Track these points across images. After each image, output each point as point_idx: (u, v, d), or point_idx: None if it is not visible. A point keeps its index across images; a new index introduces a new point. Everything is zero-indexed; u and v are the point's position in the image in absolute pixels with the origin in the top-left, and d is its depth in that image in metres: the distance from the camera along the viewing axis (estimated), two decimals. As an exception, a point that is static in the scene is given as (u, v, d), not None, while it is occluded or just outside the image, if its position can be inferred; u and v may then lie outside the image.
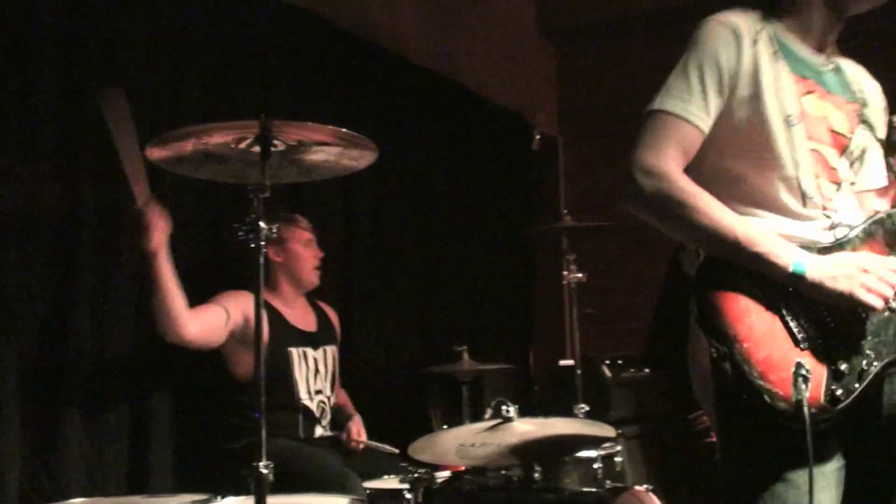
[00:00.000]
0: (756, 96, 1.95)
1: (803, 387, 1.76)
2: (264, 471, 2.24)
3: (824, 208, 1.99)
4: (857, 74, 2.18)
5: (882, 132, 2.18)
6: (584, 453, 3.19)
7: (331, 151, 2.54)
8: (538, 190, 6.37)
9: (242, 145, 2.46)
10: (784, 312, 1.84)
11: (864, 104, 2.14)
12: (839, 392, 1.80)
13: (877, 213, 2.02)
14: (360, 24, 4.66)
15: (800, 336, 1.83)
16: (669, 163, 1.91)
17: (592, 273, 4.25)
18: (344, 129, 2.40)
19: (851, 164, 2.09)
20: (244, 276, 3.14)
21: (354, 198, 4.52)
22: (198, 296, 3.24)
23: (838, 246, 1.94)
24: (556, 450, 2.93)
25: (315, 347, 3.63)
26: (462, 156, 5.45)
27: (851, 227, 1.98)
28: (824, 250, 1.92)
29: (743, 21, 2.00)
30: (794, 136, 1.96)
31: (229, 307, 3.30)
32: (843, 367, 1.83)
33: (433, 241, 5.12)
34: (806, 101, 2.01)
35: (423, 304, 4.96)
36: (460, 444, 2.84)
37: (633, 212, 1.94)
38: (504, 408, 2.93)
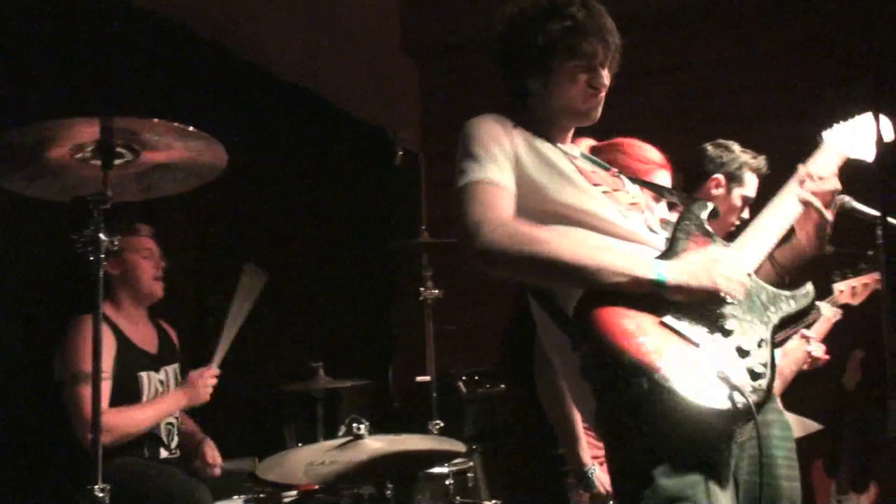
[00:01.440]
0: (538, 160, 2.11)
1: (732, 381, 1.81)
2: (99, 494, 2.15)
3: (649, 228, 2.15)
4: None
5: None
6: (436, 469, 3.19)
7: (177, 156, 2.46)
8: (400, 206, 6.37)
9: (80, 154, 2.36)
10: (668, 321, 1.90)
11: (608, 168, 2.34)
12: (757, 367, 1.88)
13: (678, 213, 2.19)
14: (221, 34, 4.57)
15: (694, 337, 1.89)
16: (501, 214, 2.00)
17: (453, 289, 4.27)
18: (191, 128, 2.33)
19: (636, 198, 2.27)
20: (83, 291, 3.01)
21: (209, 211, 4.42)
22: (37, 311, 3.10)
23: (671, 248, 2.05)
24: (407, 466, 2.93)
25: (157, 370, 3.50)
26: (323, 170, 5.40)
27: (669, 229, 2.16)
28: (662, 256, 2.04)
29: (498, 116, 2.20)
30: (583, 183, 2.13)
31: (103, 367, 3.14)
32: (745, 345, 1.91)
33: (291, 255, 5.05)
34: (575, 163, 2.19)
35: (278, 319, 4.87)
36: (309, 462, 2.79)
37: (486, 271, 1.98)
38: (355, 425, 2.90)
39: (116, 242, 2.40)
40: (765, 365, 1.89)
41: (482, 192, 2.03)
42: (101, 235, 2.30)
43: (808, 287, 2.13)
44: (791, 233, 2.47)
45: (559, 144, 2.24)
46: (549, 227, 2.03)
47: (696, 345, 1.88)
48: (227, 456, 3.65)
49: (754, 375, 1.87)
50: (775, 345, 1.99)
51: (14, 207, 3.24)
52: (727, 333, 1.93)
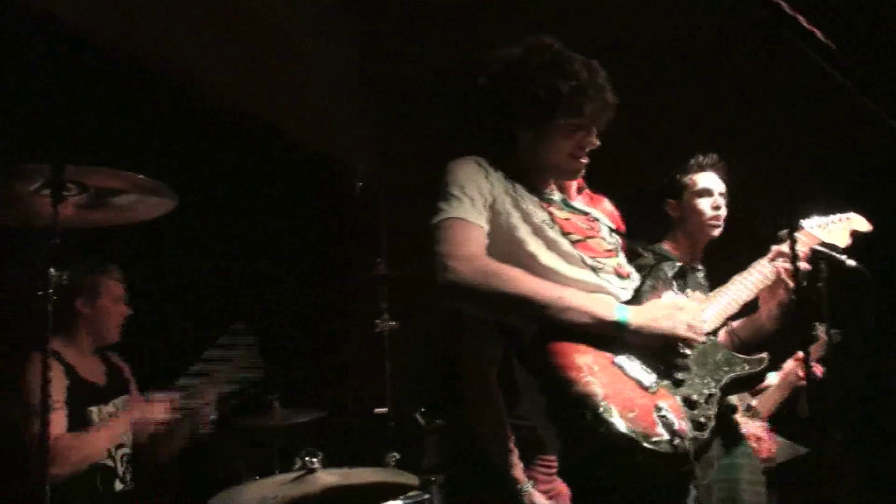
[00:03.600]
0: (513, 207, 2.18)
1: (675, 425, 1.85)
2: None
3: (619, 275, 2.23)
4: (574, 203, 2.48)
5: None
6: (390, 503, 3.18)
7: (127, 199, 2.47)
8: (358, 238, 6.38)
9: (32, 188, 2.36)
10: (619, 362, 1.96)
11: (584, 213, 2.41)
12: (702, 419, 1.92)
13: (650, 267, 2.26)
14: (169, 65, 4.57)
15: (643, 381, 1.94)
16: (473, 251, 2.06)
17: (411, 320, 4.28)
18: (141, 176, 2.35)
19: (610, 244, 2.36)
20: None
21: (160, 243, 4.39)
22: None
23: (635, 298, 2.11)
24: (359, 500, 2.92)
25: (107, 401, 3.47)
26: (281, 202, 5.41)
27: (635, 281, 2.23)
28: (627, 303, 2.10)
29: (481, 161, 2.26)
30: (556, 235, 2.19)
31: (56, 397, 3.17)
32: (693, 396, 1.96)
33: (245, 288, 5.03)
34: (550, 211, 2.25)
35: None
36: (261, 497, 2.78)
37: (455, 304, 2.05)
38: (308, 458, 2.89)
39: (66, 277, 2.39)
40: (709, 419, 1.93)
41: (456, 229, 2.09)
42: (51, 270, 2.29)
43: (763, 355, 2.19)
44: (754, 308, 2.61)
45: (539, 188, 2.30)
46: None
47: (646, 388, 1.93)
48: (182, 491, 3.61)
49: (697, 426, 1.91)
50: (724, 404, 2.05)
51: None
52: (678, 383, 1.98)
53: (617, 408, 1.84)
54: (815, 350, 3.81)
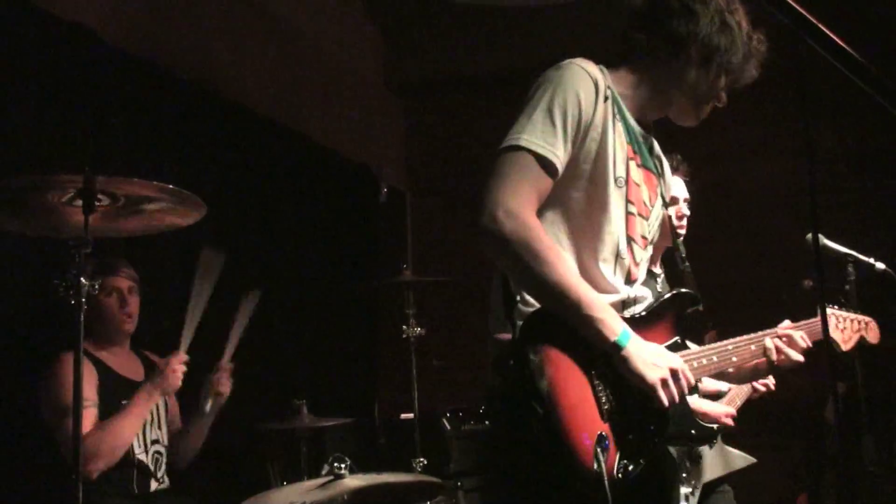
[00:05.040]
0: (599, 152, 2.03)
1: (602, 458, 1.81)
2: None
3: (629, 273, 2.14)
4: (660, 152, 2.35)
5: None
6: (418, 508, 3.21)
7: (158, 206, 2.51)
8: (384, 243, 6.41)
9: (64, 199, 2.40)
10: (595, 382, 1.92)
11: (661, 178, 2.29)
12: (630, 466, 1.89)
13: (670, 292, 2.19)
14: (203, 74, 4.62)
15: (605, 407, 1.90)
16: (528, 208, 1.92)
17: (436, 325, 4.30)
18: (170, 185, 2.38)
19: (650, 231, 2.24)
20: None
21: (195, 249, 4.43)
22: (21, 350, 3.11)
23: (633, 322, 2.04)
24: (386, 505, 2.95)
25: None
26: (307, 208, 5.44)
27: (644, 303, 2.15)
28: (635, 321, 2.05)
29: (598, 73, 2.06)
30: (618, 198, 2.07)
31: (87, 395, 3.16)
32: (635, 442, 1.92)
33: (275, 293, 5.06)
34: (631, 166, 2.11)
35: (261, 357, 4.88)
36: (290, 502, 2.81)
37: (484, 249, 1.94)
38: (336, 464, 2.92)
39: (97, 286, 2.44)
40: (637, 466, 1.90)
41: (527, 168, 1.95)
42: (83, 279, 2.33)
43: (716, 427, 2.26)
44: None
45: (646, 123, 2.20)
46: (551, 231, 2.01)
47: (601, 413, 1.91)
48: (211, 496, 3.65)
49: (625, 469, 1.89)
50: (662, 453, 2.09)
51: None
52: (626, 420, 1.94)
53: (566, 414, 1.83)
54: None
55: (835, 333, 2.64)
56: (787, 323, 2.51)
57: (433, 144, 6.75)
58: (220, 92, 4.74)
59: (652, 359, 1.94)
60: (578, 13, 5.78)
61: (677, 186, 3.46)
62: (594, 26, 5.70)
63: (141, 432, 3.41)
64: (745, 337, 2.35)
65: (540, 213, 1.99)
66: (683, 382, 1.97)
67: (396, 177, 6.64)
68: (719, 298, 5.02)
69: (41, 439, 3.26)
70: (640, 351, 1.93)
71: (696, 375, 2.08)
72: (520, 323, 1.95)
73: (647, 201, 2.19)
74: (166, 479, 3.50)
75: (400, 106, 6.90)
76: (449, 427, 4.72)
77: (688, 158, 3.56)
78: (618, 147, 2.06)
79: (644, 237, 2.19)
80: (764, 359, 2.40)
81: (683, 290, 2.20)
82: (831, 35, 1.43)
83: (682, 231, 3.45)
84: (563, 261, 1.94)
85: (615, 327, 1.91)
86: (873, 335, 2.84)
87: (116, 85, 4.03)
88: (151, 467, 3.44)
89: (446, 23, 6.42)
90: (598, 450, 1.82)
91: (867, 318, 2.84)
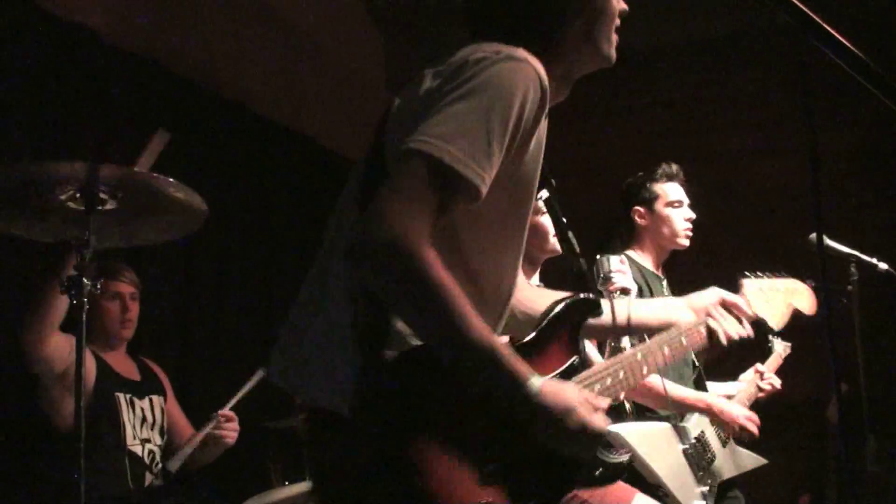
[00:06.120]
0: (529, 166, 1.67)
1: None
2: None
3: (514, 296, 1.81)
4: None
5: None
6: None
7: (159, 205, 2.50)
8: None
9: (64, 196, 2.39)
10: (473, 442, 1.55)
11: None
12: None
13: (555, 304, 1.79)
14: (205, 74, 4.62)
15: (485, 469, 1.55)
16: (426, 235, 1.49)
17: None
18: (171, 179, 2.37)
19: None
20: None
21: (196, 252, 4.44)
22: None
23: (536, 341, 1.72)
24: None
25: (140, 396, 3.52)
26: (308, 208, 5.44)
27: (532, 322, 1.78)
28: (524, 347, 1.71)
29: (543, 72, 1.62)
30: (524, 220, 1.73)
31: (71, 343, 3.18)
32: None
33: (276, 295, 5.07)
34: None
35: (264, 355, 4.88)
36: (293, 501, 2.81)
37: (368, 268, 1.50)
38: (338, 463, 2.91)
39: (99, 286, 2.44)
40: None
41: (441, 185, 1.50)
42: (84, 279, 2.33)
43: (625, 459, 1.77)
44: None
45: (560, 95, 1.80)
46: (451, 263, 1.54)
47: (480, 484, 1.54)
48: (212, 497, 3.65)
49: None
50: None
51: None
52: (520, 486, 1.60)
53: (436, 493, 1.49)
54: (772, 363, 3.78)
55: (761, 308, 2.19)
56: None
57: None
58: (222, 92, 4.73)
59: (571, 401, 1.54)
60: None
61: (680, 191, 3.47)
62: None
63: (133, 427, 3.42)
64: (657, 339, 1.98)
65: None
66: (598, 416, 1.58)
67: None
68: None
69: (42, 436, 3.28)
70: (555, 397, 1.52)
71: (609, 394, 1.75)
72: (394, 354, 1.55)
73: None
74: (161, 476, 3.50)
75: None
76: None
77: (689, 160, 3.56)
78: (538, 162, 1.70)
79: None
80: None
81: (581, 295, 1.81)
82: (834, 33, 1.43)
83: (690, 234, 3.45)
84: (461, 301, 1.49)
85: (526, 372, 1.52)
86: (807, 304, 2.38)
87: (117, 85, 4.03)
88: (147, 461, 3.44)
89: (447, 23, 6.41)
90: None
91: (797, 284, 2.38)
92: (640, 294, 3.24)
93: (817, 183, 1.56)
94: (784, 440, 3.76)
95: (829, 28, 1.48)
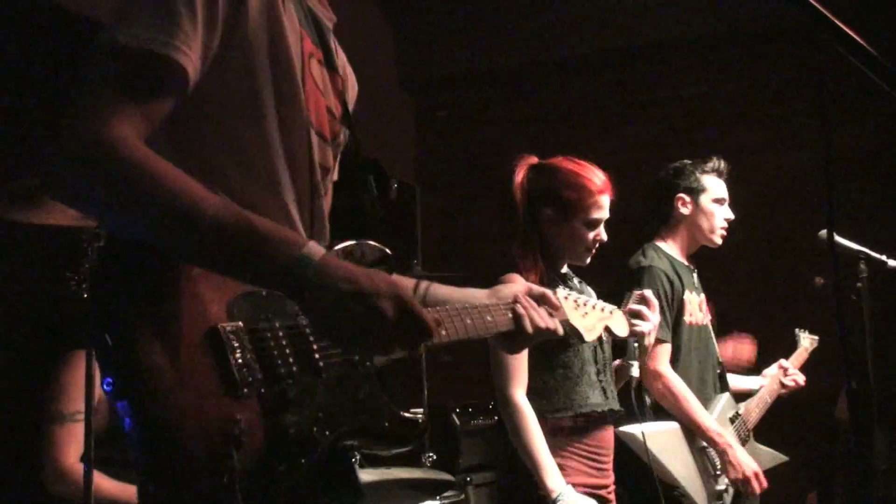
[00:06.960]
0: (257, 42, 1.44)
1: (235, 455, 1.24)
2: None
3: (302, 217, 1.60)
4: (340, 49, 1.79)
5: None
6: (427, 503, 3.20)
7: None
8: (394, 239, 6.39)
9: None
10: (229, 340, 1.30)
11: (344, 85, 1.77)
12: (282, 467, 1.31)
13: (345, 243, 1.65)
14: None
15: (240, 377, 1.29)
16: (125, 128, 1.27)
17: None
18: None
19: (335, 155, 1.72)
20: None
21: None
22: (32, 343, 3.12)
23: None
24: (396, 500, 2.95)
25: None
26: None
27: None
28: None
29: None
30: (294, 111, 1.51)
31: (77, 407, 2.80)
32: (291, 428, 1.34)
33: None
34: (311, 64, 1.57)
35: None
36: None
37: (63, 180, 1.28)
38: (346, 458, 2.91)
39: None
40: (292, 470, 1.35)
41: (147, 75, 1.30)
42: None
43: (421, 419, 1.64)
44: None
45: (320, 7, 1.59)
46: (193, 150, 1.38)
47: (238, 394, 1.29)
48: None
49: (267, 474, 1.33)
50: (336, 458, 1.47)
51: (8, 240, 3.29)
52: (283, 401, 1.35)
53: (179, 408, 1.23)
54: (797, 358, 3.77)
55: (578, 320, 2.04)
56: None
57: (443, 140, 6.75)
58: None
59: (358, 270, 1.34)
60: (590, 9, 5.77)
61: (724, 190, 3.44)
62: (606, 24, 5.70)
63: None
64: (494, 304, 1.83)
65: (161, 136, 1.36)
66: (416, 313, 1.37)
67: (407, 172, 6.63)
68: (732, 293, 5.02)
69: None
70: (337, 265, 1.32)
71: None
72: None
73: (334, 112, 1.69)
74: None
75: (411, 101, 6.90)
76: (458, 422, 4.72)
77: (699, 155, 3.55)
78: (291, 39, 1.51)
79: (326, 167, 1.65)
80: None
81: (367, 242, 1.67)
82: (849, 31, 1.43)
83: (725, 234, 3.41)
84: (191, 183, 1.28)
85: (297, 237, 1.34)
86: (620, 327, 2.26)
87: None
88: None
89: (459, 19, 6.42)
90: (230, 443, 1.24)
91: (611, 309, 2.23)
92: (671, 284, 3.22)
93: (830, 180, 1.56)
94: (793, 437, 3.75)
95: (842, 25, 1.48)
